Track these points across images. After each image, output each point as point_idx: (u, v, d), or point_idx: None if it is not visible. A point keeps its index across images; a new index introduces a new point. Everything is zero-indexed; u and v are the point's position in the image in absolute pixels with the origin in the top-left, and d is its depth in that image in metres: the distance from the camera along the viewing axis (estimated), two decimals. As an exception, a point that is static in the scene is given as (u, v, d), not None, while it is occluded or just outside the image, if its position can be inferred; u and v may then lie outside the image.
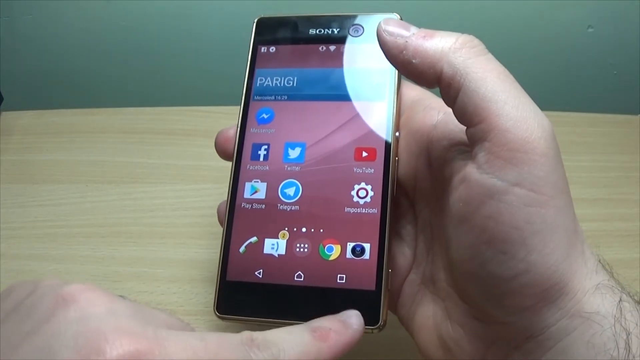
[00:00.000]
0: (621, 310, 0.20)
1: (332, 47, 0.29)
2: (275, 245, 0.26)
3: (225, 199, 0.28)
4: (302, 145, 0.28)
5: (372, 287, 0.25)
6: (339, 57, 0.29)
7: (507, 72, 0.22)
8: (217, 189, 0.41)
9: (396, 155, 0.27)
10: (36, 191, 0.42)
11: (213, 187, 0.41)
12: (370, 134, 0.27)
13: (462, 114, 0.22)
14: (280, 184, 0.27)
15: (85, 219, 0.40)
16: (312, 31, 0.30)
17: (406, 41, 0.23)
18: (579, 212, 0.22)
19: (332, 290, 0.25)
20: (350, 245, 0.26)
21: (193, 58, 0.56)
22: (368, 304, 0.24)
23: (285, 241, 0.26)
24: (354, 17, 0.29)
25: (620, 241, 0.39)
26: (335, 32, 0.29)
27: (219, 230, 0.27)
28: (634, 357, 0.20)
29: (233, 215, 0.27)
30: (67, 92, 0.59)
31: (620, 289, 0.21)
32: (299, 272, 0.26)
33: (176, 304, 0.35)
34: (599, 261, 0.22)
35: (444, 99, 0.23)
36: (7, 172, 0.43)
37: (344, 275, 0.25)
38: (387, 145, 0.27)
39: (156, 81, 0.58)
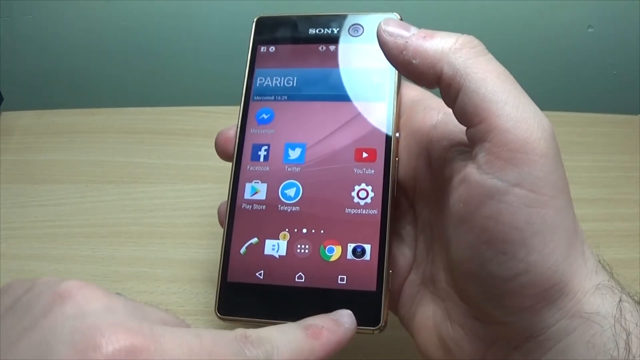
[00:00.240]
0: (621, 311, 0.20)
1: (332, 47, 0.29)
2: (276, 246, 0.26)
3: (226, 199, 0.28)
4: (303, 146, 0.28)
5: (373, 287, 0.25)
6: (338, 57, 0.29)
7: (507, 72, 0.22)
8: (217, 189, 0.41)
9: (396, 155, 0.27)
10: (36, 191, 0.42)
11: (213, 187, 0.41)
12: (371, 134, 0.27)
13: (462, 115, 0.22)
14: (281, 184, 0.27)
15: (85, 219, 0.40)
16: (311, 31, 0.30)
17: (406, 42, 0.23)
18: (579, 212, 0.22)
19: (333, 291, 0.25)
20: (350, 246, 0.26)
21: (193, 58, 0.56)
22: (369, 304, 0.24)
23: (286, 242, 0.26)
24: (354, 16, 0.29)
25: (620, 241, 0.39)
26: (335, 31, 0.29)
27: (219, 230, 0.27)
28: (634, 357, 0.20)
29: (233, 216, 0.27)
30: (67, 92, 0.59)
31: (620, 289, 0.21)
32: (300, 273, 0.26)
33: (176, 304, 0.35)
34: (599, 261, 0.22)
35: (444, 100, 0.23)
36: (7, 172, 0.43)
37: (345, 276, 0.25)
38: (388, 145, 0.27)
39: (156, 81, 0.58)
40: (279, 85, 0.29)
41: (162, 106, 0.48)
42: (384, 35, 0.23)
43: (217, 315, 0.26)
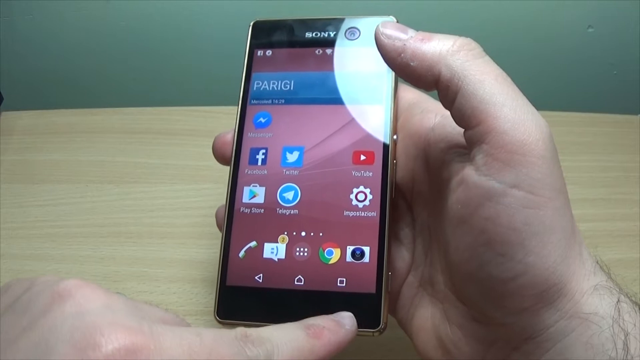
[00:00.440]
0: (619, 311, 0.20)
1: (329, 51, 0.29)
2: (275, 250, 0.26)
3: (224, 203, 0.28)
4: (300, 149, 0.28)
5: (373, 290, 0.25)
6: (335, 60, 0.29)
7: (504, 74, 0.22)
8: (217, 189, 0.41)
9: (394, 158, 0.27)
10: (36, 191, 0.42)
11: (213, 187, 0.41)
12: (368, 137, 0.27)
13: (460, 117, 0.22)
14: (279, 188, 0.27)
15: (85, 219, 0.40)
16: (308, 34, 0.30)
17: (404, 44, 0.23)
18: (579, 212, 0.22)
19: (333, 294, 0.25)
20: (350, 249, 0.26)
21: (193, 58, 0.56)
22: (369, 307, 0.24)
23: (284, 245, 0.26)
24: (350, 20, 0.29)
25: (620, 241, 0.39)
26: (332, 35, 0.29)
27: (219, 232, 0.27)
28: (632, 357, 0.20)
29: (232, 220, 0.27)
30: (67, 92, 0.59)
31: (618, 289, 0.21)
32: (299, 276, 0.26)
33: (176, 304, 0.35)
34: (597, 262, 0.22)
35: (442, 102, 0.23)
36: (7, 172, 0.43)
37: (344, 279, 0.25)
38: (385, 148, 0.27)
39: (156, 81, 0.58)
40: (276, 89, 0.29)
41: (162, 106, 0.48)
42: (382, 37, 0.23)
43: (216, 319, 0.26)
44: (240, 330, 0.19)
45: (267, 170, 0.28)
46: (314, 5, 0.49)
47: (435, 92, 0.23)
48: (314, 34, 0.29)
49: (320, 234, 0.26)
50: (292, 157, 0.28)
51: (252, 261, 0.26)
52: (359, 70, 0.29)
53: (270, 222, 0.27)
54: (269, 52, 0.30)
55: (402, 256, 0.27)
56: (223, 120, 0.45)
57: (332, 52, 0.29)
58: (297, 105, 0.29)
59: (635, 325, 0.20)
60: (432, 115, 0.26)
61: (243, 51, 0.30)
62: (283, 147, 0.28)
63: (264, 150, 0.28)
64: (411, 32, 0.23)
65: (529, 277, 0.20)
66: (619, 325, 0.20)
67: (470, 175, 0.21)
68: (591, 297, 0.21)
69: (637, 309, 0.21)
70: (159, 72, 0.57)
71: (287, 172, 0.27)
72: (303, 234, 0.26)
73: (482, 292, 0.22)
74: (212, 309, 0.26)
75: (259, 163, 0.28)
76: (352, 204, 0.26)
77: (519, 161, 0.20)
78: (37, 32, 0.54)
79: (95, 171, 0.43)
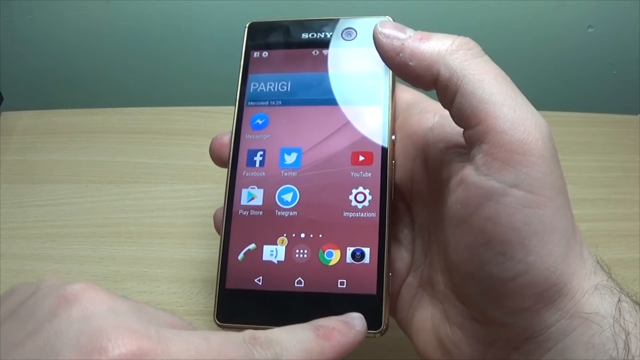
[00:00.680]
0: (620, 311, 0.20)
1: (325, 51, 0.29)
2: (274, 252, 0.26)
3: (222, 205, 0.28)
4: (298, 151, 0.28)
5: (373, 291, 0.25)
6: (332, 61, 0.29)
7: (503, 74, 0.22)
8: (217, 189, 0.41)
9: (393, 158, 0.27)
10: (36, 191, 0.42)
11: (213, 187, 0.41)
12: (366, 138, 0.27)
13: (460, 116, 0.22)
14: (278, 189, 0.27)
15: (85, 219, 0.40)
16: (304, 35, 0.29)
17: (402, 44, 0.23)
18: (579, 212, 0.22)
19: (333, 296, 0.25)
20: (349, 250, 0.25)
21: (193, 58, 0.56)
22: (369, 308, 0.24)
23: (284, 247, 0.26)
24: (347, 20, 0.29)
25: (620, 241, 0.39)
26: (328, 36, 0.29)
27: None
28: (633, 357, 0.20)
29: (230, 222, 0.27)
30: (66, 92, 0.59)
31: (618, 289, 0.21)
32: (299, 278, 0.25)
33: (176, 304, 0.35)
34: (597, 262, 0.22)
35: (440, 101, 0.23)
36: (7, 172, 0.43)
37: (345, 280, 0.25)
38: (384, 148, 0.27)
39: (156, 81, 0.58)
40: (273, 90, 0.29)
41: (162, 106, 0.48)
42: (380, 37, 0.23)
43: (216, 322, 0.25)
44: (249, 332, 0.19)
45: (265, 172, 0.27)
46: (314, 5, 0.49)
47: (434, 92, 0.23)
48: (310, 35, 0.29)
49: (320, 236, 0.26)
50: (290, 159, 0.27)
51: (252, 264, 0.26)
52: (356, 70, 0.29)
53: (269, 224, 0.26)
54: (265, 54, 0.30)
55: (402, 257, 0.27)
56: (222, 120, 0.45)
57: (329, 53, 0.29)
58: (294, 106, 0.28)
59: (636, 324, 0.20)
60: (431, 115, 0.26)
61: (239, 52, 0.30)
62: (281, 149, 0.28)
63: (261, 152, 0.28)
64: (410, 32, 0.23)
65: (530, 277, 0.20)
66: (620, 325, 0.20)
67: (470, 175, 0.21)
68: (592, 296, 0.21)
69: (637, 308, 0.21)
70: (159, 72, 0.57)
71: (286, 174, 0.27)
72: (302, 235, 0.26)
73: (482, 292, 0.22)
74: (212, 308, 0.26)
75: (257, 165, 0.28)
76: (351, 205, 0.26)
77: (518, 160, 0.20)
78: (37, 32, 0.54)
79: (95, 171, 0.43)
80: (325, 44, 0.29)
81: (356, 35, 0.29)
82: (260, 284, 0.26)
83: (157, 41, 0.55)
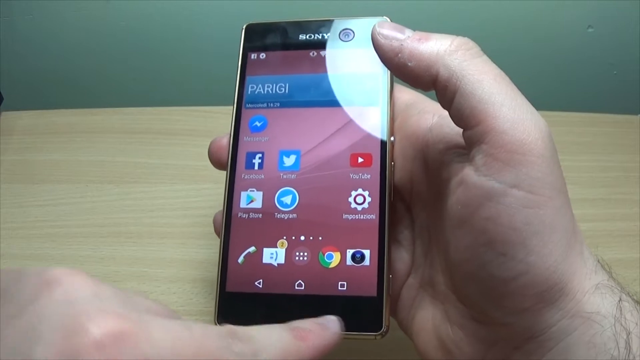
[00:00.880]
0: (621, 310, 0.20)
1: (323, 53, 0.29)
2: (274, 255, 0.26)
3: (221, 208, 0.28)
4: (297, 153, 0.27)
5: (374, 293, 0.25)
6: (330, 62, 0.29)
7: (503, 74, 0.22)
8: (217, 189, 0.41)
9: (392, 159, 0.27)
10: (36, 191, 0.42)
11: (213, 187, 0.41)
12: (365, 139, 0.27)
13: (459, 117, 0.22)
14: (277, 192, 0.27)
15: (85, 219, 0.40)
16: (302, 37, 0.29)
17: (401, 44, 0.23)
18: (579, 212, 0.22)
19: (334, 298, 0.25)
20: (349, 252, 0.25)
21: (193, 58, 0.56)
22: (370, 310, 0.24)
23: (284, 250, 0.26)
24: (344, 21, 0.29)
25: (620, 241, 0.39)
26: (326, 37, 0.29)
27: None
28: (634, 356, 0.20)
29: (230, 225, 0.27)
30: (66, 92, 0.59)
31: (619, 288, 0.21)
32: (300, 280, 0.25)
33: (176, 304, 0.35)
34: (598, 261, 0.22)
35: (440, 102, 0.23)
36: (7, 172, 0.43)
37: (345, 282, 0.25)
38: (383, 150, 0.27)
39: (156, 81, 0.58)
40: (271, 92, 0.29)
41: (162, 106, 0.48)
42: (379, 38, 0.23)
43: (216, 325, 0.25)
44: (229, 327, 0.19)
45: (264, 174, 0.27)
46: (314, 5, 0.49)
47: (432, 92, 0.23)
48: (307, 36, 0.29)
49: (320, 238, 0.26)
50: (289, 161, 0.27)
51: (252, 267, 0.26)
52: (354, 71, 0.28)
53: (268, 227, 0.26)
54: (262, 55, 0.29)
55: (402, 258, 0.27)
56: (222, 120, 0.45)
57: (327, 54, 0.29)
58: (292, 108, 0.28)
59: (637, 324, 0.20)
60: (430, 115, 0.26)
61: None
62: (280, 151, 0.28)
63: (260, 155, 0.28)
64: (408, 32, 0.23)
65: (530, 277, 0.20)
66: (621, 324, 0.20)
67: (470, 176, 0.21)
68: (593, 296, 0.21)
69: (638, 307, 0.21)
70: (159, 72, 0.57)
71: (285, 176, 0.27)
72: (302, 238, 0.26)
73: (483, 292, 0.21)
74: (212, 308, 0.26)
75: (256, 167, 0.28)
76: (351, 207, 0.26)
77: (518, 161, 0.20)
78: (37, 32, 0.54)
79: (95, 171, 0.43)
80: (322, 45, 0.29)
81: (354, 36, 0.29)
82: (261, 286, 0.26)
83: (157, 41, 0.55)
